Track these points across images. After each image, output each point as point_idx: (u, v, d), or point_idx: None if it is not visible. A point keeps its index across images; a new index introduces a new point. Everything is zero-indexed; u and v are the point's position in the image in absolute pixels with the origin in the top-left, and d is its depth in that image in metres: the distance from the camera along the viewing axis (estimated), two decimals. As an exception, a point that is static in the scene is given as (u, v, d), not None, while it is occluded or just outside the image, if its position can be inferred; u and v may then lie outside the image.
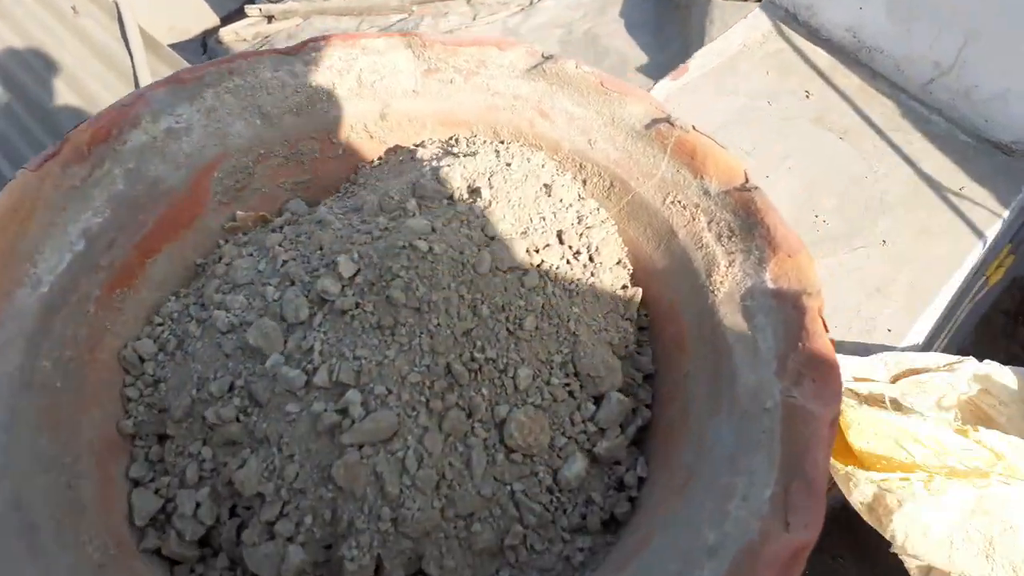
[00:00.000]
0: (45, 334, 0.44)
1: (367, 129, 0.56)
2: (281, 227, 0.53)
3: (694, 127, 0.51)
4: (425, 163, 0.54)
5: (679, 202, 0.51)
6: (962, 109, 1.01)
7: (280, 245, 0.51)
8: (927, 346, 0.91)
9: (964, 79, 1.00)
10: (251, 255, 0.51)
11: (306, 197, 0.57)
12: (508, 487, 0.44)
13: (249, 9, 5.19)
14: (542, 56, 0.55)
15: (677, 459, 0.43)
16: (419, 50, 0.56)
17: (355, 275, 0.47)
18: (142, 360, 0.47)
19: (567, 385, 0.47)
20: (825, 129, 1.02)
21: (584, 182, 0.55)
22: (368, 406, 0.43)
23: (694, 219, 0.50)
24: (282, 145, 0.55)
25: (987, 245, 0.93)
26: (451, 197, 0.51)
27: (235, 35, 5.07)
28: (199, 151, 0.52)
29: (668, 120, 0.51)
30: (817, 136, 1.01)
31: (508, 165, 0.54)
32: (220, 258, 0.52)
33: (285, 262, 0.49)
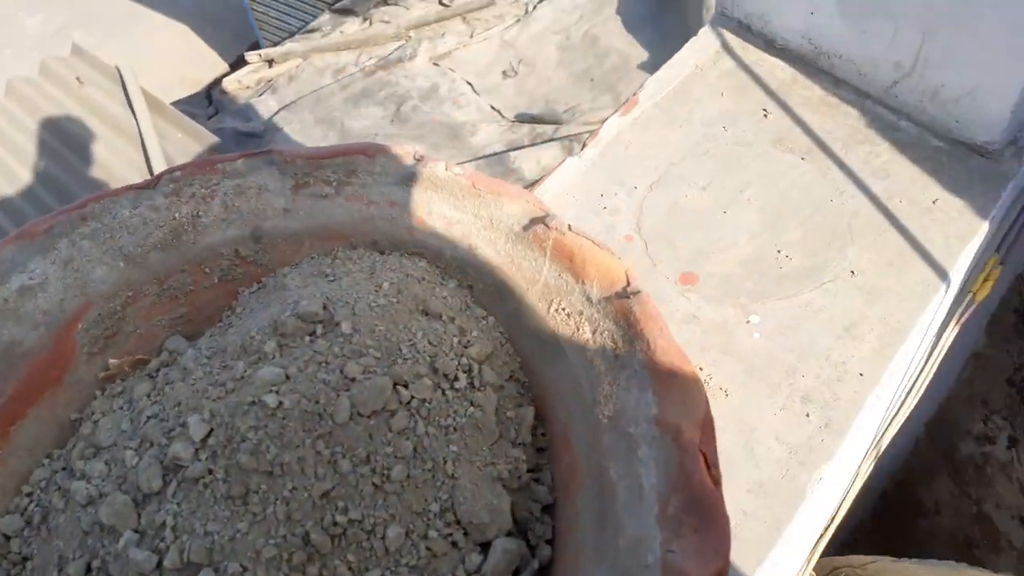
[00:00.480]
0: None
1: (240, 254, 0.53)
2: (157, 369, 0.50)
3: (570, 227, 0.47)
4: (291, 292, 0.51)
5: (564, 310, 0.47)
6: (931, 111, 0.95)
7: (148, 396, 0.48)
8: (912, 382, 0.85)
9: (929, 79, 0.93)
10: (121, 408, 0.48)
11: (187, 331, 0.54)
12: None
13: (249, 55, 5.25)
14: (414, 158, 0.51)
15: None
16: (283, 166, 0.52)
17: (208, 436, 0.43)
18: (8, 538, 0.44)
19: (448, 535, 0.43)
20: (786, 150, 0.96)
21: (471, 288, 0.51)
22: (222, 588, 0.40)
23: (579, 329, 0.46)
24: (152, 283, 0.52)
25: (969, 261, 0.86)
26: (313, 333, 0.47)
27: (238, 83, 5.13)
28: (58, 306, 0.49)
29: (544, 221, 0.47)
30: (777, 159, 0.95)
31: (379, 288, 0.50)
32: (92, 414, 0.49)
33: (148, 419, 0.46)
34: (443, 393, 0.47)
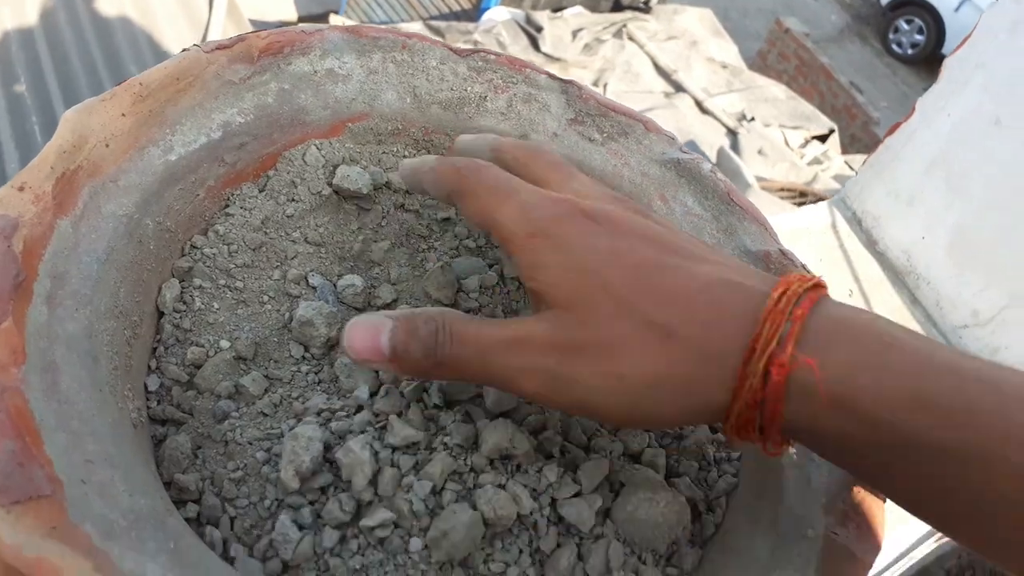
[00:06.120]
0: (158, 197, 0.44)
1: None
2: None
3: (805, 267, 0.53)
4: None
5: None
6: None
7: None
8: None
9: (997, 336, 1.05)
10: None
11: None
12: None
13: (334, 19, 5.38)
14: (680, 150, 0.57)
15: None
16: (573, 99, 0.58)
17: None
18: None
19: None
20: (859, 331, 1.06)
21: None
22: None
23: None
24: (419, 129, 0.56)
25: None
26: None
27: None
28: (348, 102, 0.53)
29: (781, 251, 0.54)
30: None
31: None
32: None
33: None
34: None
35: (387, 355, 0.33)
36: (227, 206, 0.48)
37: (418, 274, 0.51)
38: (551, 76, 0.59)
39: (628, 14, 5.89)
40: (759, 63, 7.83)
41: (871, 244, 1.18)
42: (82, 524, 0.28)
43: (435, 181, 0.40)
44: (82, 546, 0.27)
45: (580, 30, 5.26)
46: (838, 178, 4.89)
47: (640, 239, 0.34)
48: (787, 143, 4.98)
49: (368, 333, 0.34)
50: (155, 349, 0.42)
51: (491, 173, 0.37)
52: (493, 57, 0.57)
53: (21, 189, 0.37)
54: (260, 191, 0.50)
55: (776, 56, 7.94)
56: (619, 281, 0.32)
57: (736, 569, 0.40)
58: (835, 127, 5.47)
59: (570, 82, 0.59)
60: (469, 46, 0.58)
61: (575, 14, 5.62)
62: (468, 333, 0.34)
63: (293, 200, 0.49)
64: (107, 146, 0.42)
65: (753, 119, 4.97)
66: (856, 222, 1.20)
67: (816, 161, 4.98)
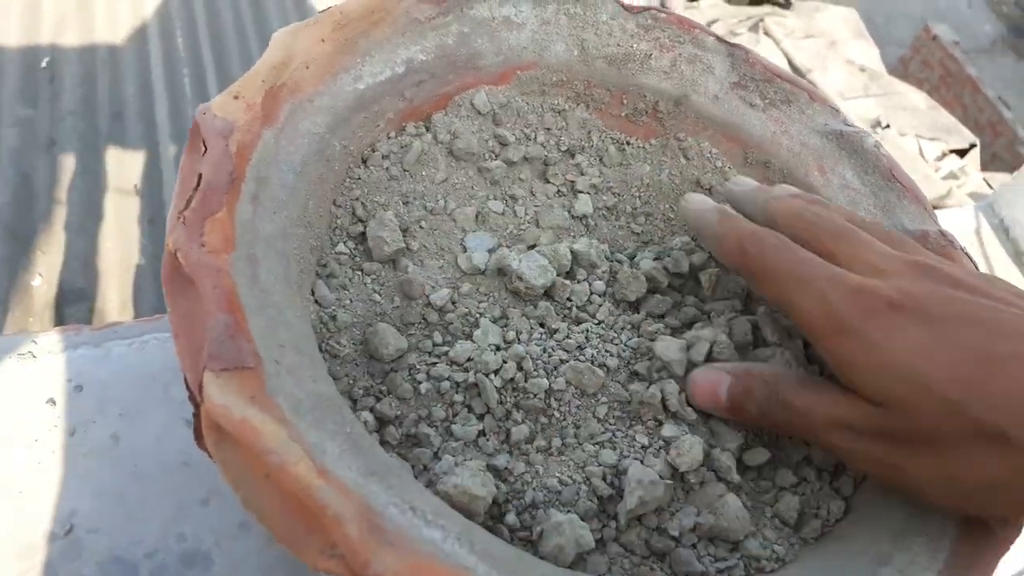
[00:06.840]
0: (346, 122, 0.47)
1: (657, 107, 0.58)
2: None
3: (965, 249, 0.52)
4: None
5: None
6: None
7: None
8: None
9: None
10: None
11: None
12: None
13: None
14: (843, 123, 0.56)
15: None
16: (739, 63, 0.58)
17: None
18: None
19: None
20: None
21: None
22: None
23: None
24: (582, 82, 0.57)
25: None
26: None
27: None
28: (519, 50, 0.55)
29: (941, 232, 0.52)
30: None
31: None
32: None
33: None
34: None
35: (725, 405, 0.39)
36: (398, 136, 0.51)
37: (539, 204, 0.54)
38: (719, 39, 0.58)
39: (767, 8, 5.69)
40: (900, 70, 7.42)
41: (1018, 256, 1.11)
42: (275, 397, 0.30)
43: (717, 248, 0.43)
44: (277, 416, 0.30)
45: (715, 21, 5.13)
46: (974, 196, 4.59)
47: (958, 323, 0.32)
48: (922, 154, 4.71)
49: (708, 386, 0.39)
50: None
51: (778, 254, 0.38)
52: (663, 16, 0.58)
53: (236, 98, 0.41)
54: (426, 130, 0.52)
55: (919, 64, 7.50)
56: (940, 380, 0.31)
57: (868, 533, 0.40)
58: (977, 141, 5.13)
59: (737, 46, 0.58)
60: (641, 3, 0.58)
61: (711, 4, 5.48)
62: (797, 405, 0.36)
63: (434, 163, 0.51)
64: (307, 68, 0.45)
65: (888, 126, 4.72)
66: (1003, 230, 1.14)
67: (952, 176, 4.68)
